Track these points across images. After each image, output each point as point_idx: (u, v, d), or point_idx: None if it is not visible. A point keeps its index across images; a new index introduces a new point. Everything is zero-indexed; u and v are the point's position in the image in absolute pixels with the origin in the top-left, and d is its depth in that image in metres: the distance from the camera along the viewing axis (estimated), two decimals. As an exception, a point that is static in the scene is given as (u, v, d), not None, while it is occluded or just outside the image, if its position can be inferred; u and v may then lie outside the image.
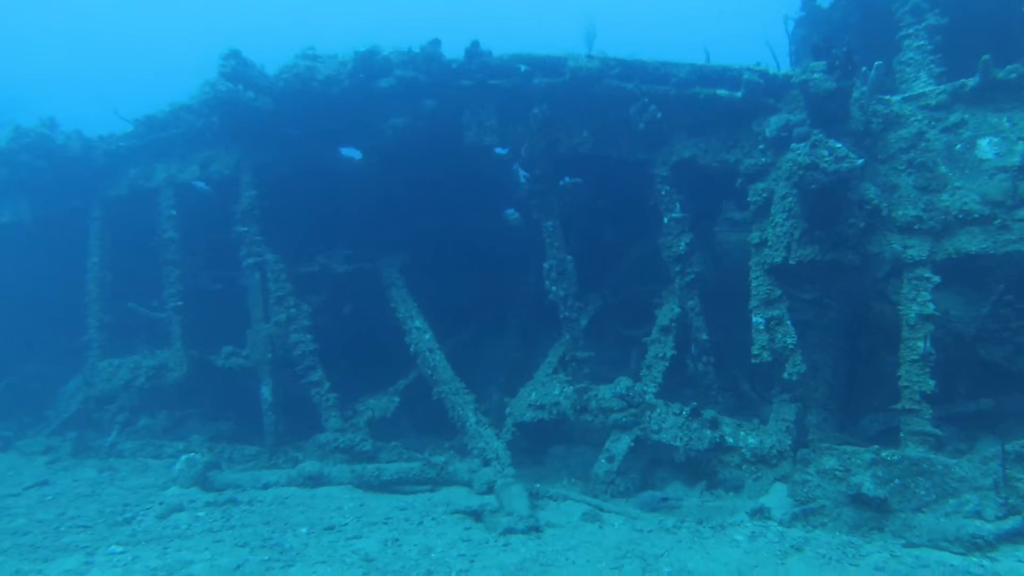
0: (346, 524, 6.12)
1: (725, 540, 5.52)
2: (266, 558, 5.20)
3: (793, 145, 6.07)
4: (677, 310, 7.62)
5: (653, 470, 7.07)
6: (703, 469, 6.92)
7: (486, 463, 7.00)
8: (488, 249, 10.77)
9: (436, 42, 8.07)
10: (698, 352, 7.64)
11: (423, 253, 10.04)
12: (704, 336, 7.63)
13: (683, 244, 7.61)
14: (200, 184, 10.36)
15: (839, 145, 5.89)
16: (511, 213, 11.23)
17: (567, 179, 9.46)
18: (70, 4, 63.58)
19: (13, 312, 11.68)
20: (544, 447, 8.28)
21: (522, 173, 10.54)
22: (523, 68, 7.68)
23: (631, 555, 5.18)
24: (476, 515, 6.06)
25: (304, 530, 5.93)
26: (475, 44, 7.92)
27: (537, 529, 5.73)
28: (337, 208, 10.09)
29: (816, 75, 6.11)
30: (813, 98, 6.14)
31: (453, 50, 8.16)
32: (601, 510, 6.14)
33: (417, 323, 8.66)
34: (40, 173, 9.91)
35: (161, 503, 6.82)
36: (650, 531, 5.78)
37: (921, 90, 6.51)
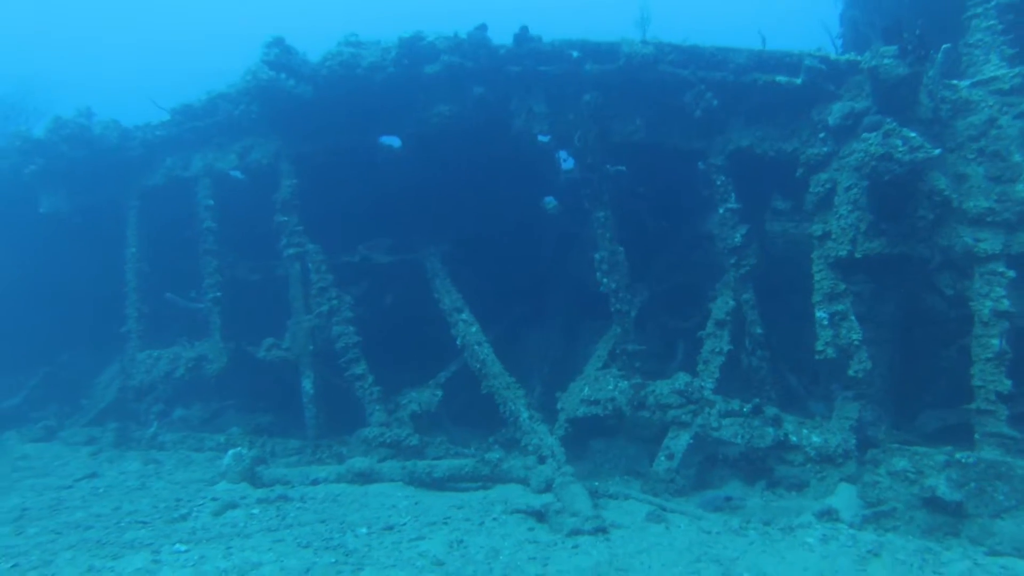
0: (405, 524, 6.03)
1: (797, 543, 5.40)
2: (332, 560, 5.12)
3: (864, 135, 5.87)
4: (732, 303, 7.46)
5: (710, 467, 6.95)
6: (761, 467, 6.79)
7: (541, 460, 6.90)
8: (526, 238, 10.61)
9: (483, 27, 7.88)
10: (752, 346, 7.50)
11: (462, 242, 9.90)
12: (759, 330, 7.48)
13: (739, 235, 7.44)
14: (236, 173, 10.24)
15: (913, 134, 5.70)
16: (550, 201, 11.06)
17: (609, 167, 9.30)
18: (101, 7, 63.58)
19: (49, 301, 11.66)
20: (585, 441, 8.17)
21: (564, 161, 10.40)
22: (575, 54, 7.49)
23: (706, 559, 5.07)
24: (539, 515, 5.96)
25: (364, 530, 5.85)
26: (524, 29, 7.73)
27: (604, 530, 5.62)
28: (376, 197, 9.96)
29: (887, 60, 5.91)
30: (883, 84, 5.94)
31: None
32: (664, 510, 6.03)
33: (464, 315, 8.54)
34: (77, 163, 9.83)
35: (214, 499, 6.78)
36: (718, 533, 5.66)
37: (992, 74, 6.26)
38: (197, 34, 62.97)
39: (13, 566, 4.85)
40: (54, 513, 6.44)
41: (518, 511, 6.11)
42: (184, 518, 6.29)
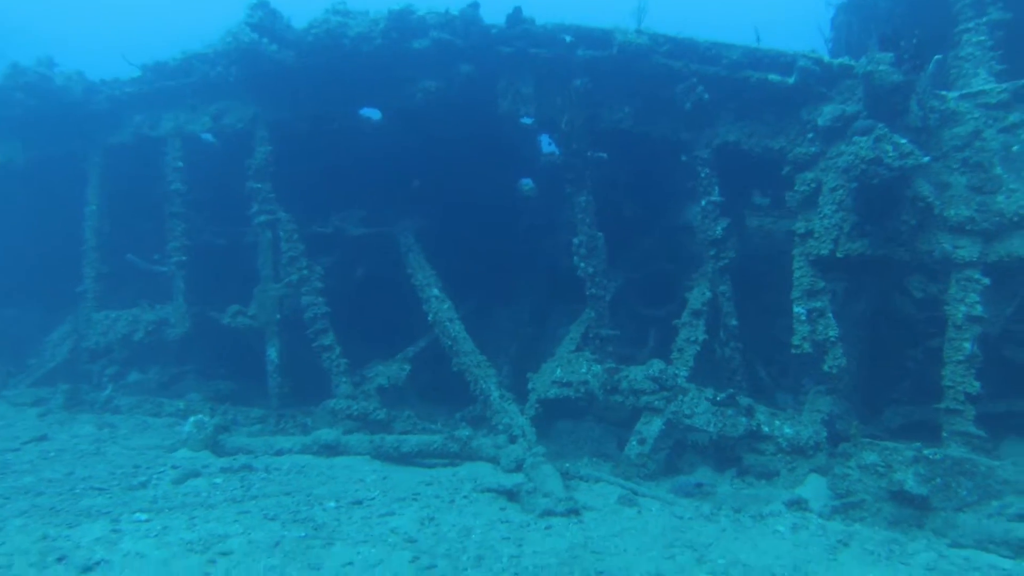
0: (373, 499, 5.93)
1: (768, 531, 5.46)
2: (302, 535, 4.99)
3: (855, 138, 5.95)
4: (709, 294, 7.52)
5: (679, 454, 7.00)
6: (731, 455, 6.87)
7: (512, 440, 6.86)
8: (501, 218, 10.53)
9: (475, 4, 7.75)
10: (726, 337, 7.57)
11: (435, 218, 9.77)
12: (734, 322, 7.55)
13: (720, 228, 7.49)
14: (207, 136, 9.92)
15: (904, 141, 5.79)
16: (526, 183, 10.99)
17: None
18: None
19: (5, 253, 11.14)
20: (551, 421, 8.16)
21: (544, 145, 10.34)
22: (568, 39, 7.43)
23: (680, 544, 5.09)
24: (510, 495, 5.92)
25: (332, 504, 5.73)
26: (517, 10, 7.64)
27: (576, 512, 5.60)
28: (352, 169, 9.75)
29: (883, 67, 5.99)
30: (878, 90, 6.02)
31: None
32: (636, 494, 6.05)
33: (435, 291, 8.43)
34: (34, 113, 9.36)
35: (174, 467, 6.58)
36: (690, 518, 5.69)
37: (980, 87, 6.41)
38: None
39: (-43, 532, 4.60)
40: (1, 477, 6.16)
41: (489, 490, 6.06)
42: (143, 486, 6.08)
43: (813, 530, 5.43)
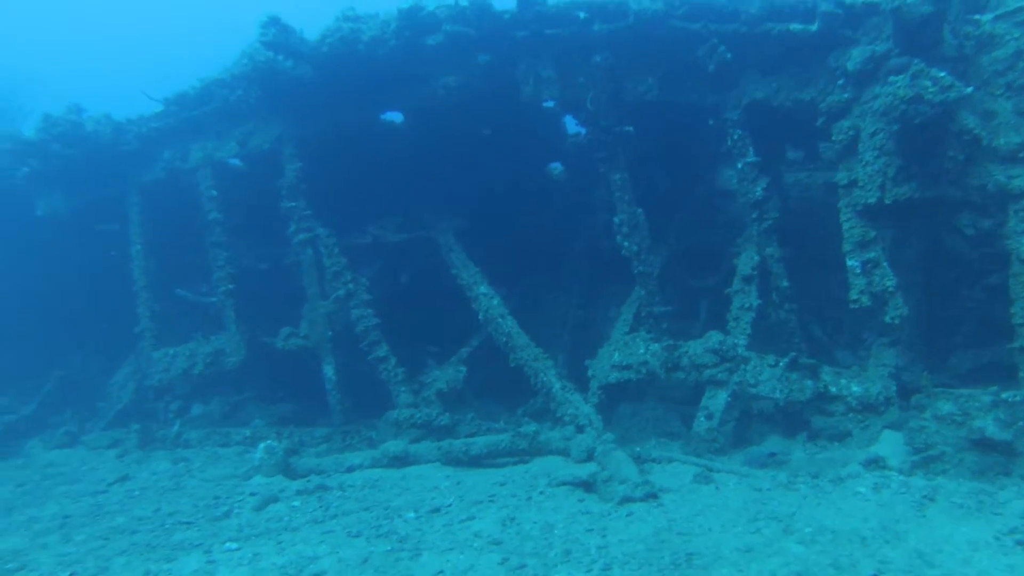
0: (450, 505, 5.98)
1: (849, 493, 5.39)
2: (388, 548, 5.06)
3: (891, 78, 5.76)
4: (757, 258, 7.39)
5: (747, 424, 6.94)
6: (798, 420, 6.79)
7: (580, 429, 6.86)
8: (534, 206, 10.47)
9: (483, -9, 7.66)
10: (780, 300, 7.44)
11: (471, 214, 9.75)
12: (785, 283, 7.41)
13: (760, 189, 7.34)
14: (235, 161, 10.03)
15: (943, 74, 5.59)
16: (556, 167, 10.91)
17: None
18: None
19: (53, 304, 11.48)
20: (611, 406, 8.14)
21: (571, 127, 10.23)
22: (582, 15, 7.29)
23: (763, 516, 5.05)
24: (586, 485, 5.93)
25: (412, 515, 5.79)
26: (528, -8, 7.52)
27: (655, 496, 5.59)
28: (381, 175, 9.78)
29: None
30: (907, 24, 5.81)
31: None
32: (710, 470, 6.01)
33: (483, 289, 8.42)
34: (72, 162, 9.57)
35: (252, 494, 6.71)
36: (769, 489, 5.65)
37: (1017, 4, 6.09)
38: (175, 26, 61.75)
39: (71, 575, 4.79)
40: (96, 519, 6.36)
41: (564, 483, 6.07)
42: (227, 515, 6.23)
43: (896, 488, 5.34)
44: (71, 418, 10.62)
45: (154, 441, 9.12)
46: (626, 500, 5.52)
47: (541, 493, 6.01)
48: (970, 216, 7.23)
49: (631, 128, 7.85)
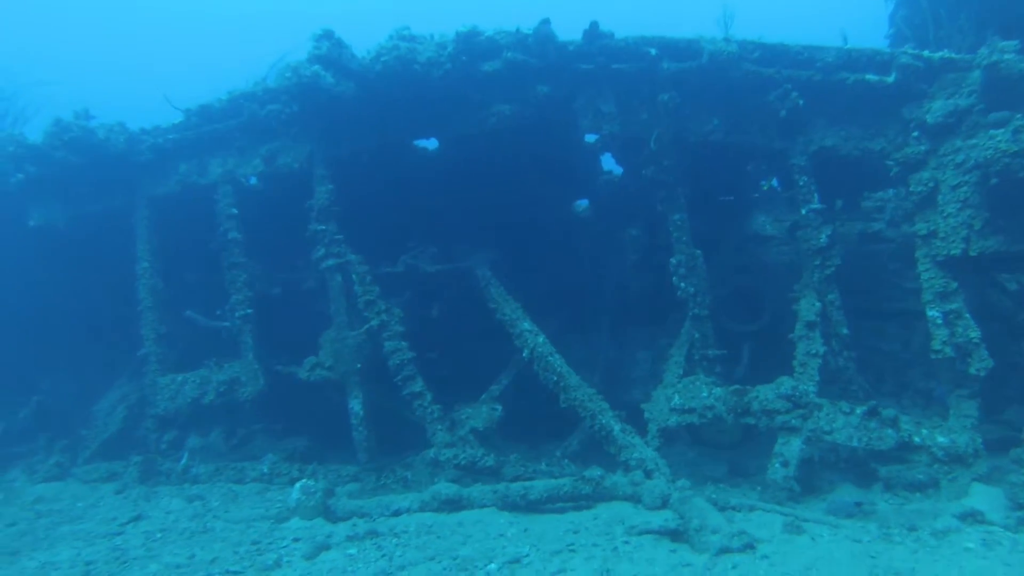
0: (527, 555, 5.58)
1: (959, 549, 5.24)
2: (486, 605, 4.65)
3: (991, 132, 5.79)
4: (818, 304, 7.30)
5: (814, 472, 6.76)
6: (867, 468, 6.65)
7: (648, 474, 6.55)
8: (559, 242, 10.23)
9: (547, 22, 7.48)
10: (839, 347, 7.36)
11: (503, 248, 9.45)
12: (844, 330, 7.34)
13: (824, 236, 7.29)
14: (252, 180, 9.51)
15: (1046, 130, 5.65)
16: (581, 204, 10.73)
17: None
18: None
19: (29, 323, 10.55)
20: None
21: (607, 164, 10.11)
22: (653, 52, 7.19)
23: (880, 570, 4.84)
24: (674, 534, 5.61)
25: (494, 566, 5.37)
26: (595, 25, 7.39)
27: (752, 547, 5.31)
28: (409, 202, 9.40)
29: (1008, 55, 5.85)
30: (1004, 80, 5.88)
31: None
32: (799, 519, 5.78)
33: (526, 325, 8.07)
34: (75, 170, 8.87)
35: (295, 539, 6.16)
36: (868, 541, 5.44)
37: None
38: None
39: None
40: (124, 566, 5.69)
41: (649, 531, 5.73)
42: (278, 565, 5.67)
43: (1008, 545, 5.21)
44: (45, 447, 9.69)
45: (158, 475, 8.35)
46: (724, 551, 5.22)
47: (626, 543, 5.64)
48: (1012, 272, 7.38)
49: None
